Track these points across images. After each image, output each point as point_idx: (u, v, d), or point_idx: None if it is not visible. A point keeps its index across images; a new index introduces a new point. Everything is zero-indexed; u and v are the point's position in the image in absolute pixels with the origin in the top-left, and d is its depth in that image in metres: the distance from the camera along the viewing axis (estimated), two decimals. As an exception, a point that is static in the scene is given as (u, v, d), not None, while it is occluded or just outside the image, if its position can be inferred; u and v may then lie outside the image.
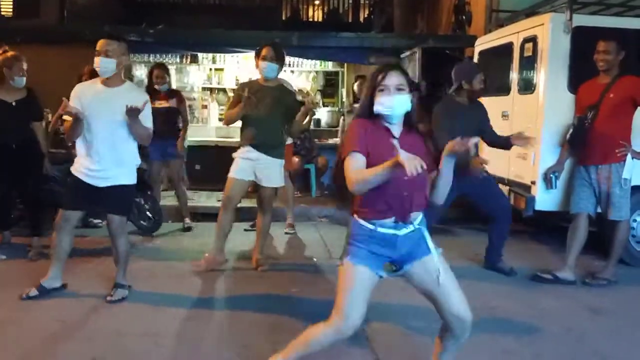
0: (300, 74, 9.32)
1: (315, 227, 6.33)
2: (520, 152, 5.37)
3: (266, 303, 3.97)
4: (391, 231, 2.44)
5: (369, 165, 2.36)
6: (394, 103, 2.41)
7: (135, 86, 4.10)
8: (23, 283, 4.04)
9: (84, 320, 3.59)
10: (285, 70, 8.97)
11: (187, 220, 6.15)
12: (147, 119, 3.84)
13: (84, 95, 3.77)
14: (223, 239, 4.64)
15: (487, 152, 5.53)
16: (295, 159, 7.21)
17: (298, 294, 4.21)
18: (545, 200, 5.11)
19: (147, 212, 5.75)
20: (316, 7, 15.53)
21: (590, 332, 3.65)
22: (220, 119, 8.81)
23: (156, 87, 5.86)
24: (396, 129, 2.48)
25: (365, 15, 14.88)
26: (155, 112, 5.68)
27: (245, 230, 5.91)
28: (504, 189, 5.65)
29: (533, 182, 5.14)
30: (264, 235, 4.81)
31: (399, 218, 2.43)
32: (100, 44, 3.74)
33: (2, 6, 10.19)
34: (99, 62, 3.70)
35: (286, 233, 6.00)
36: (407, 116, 2.49)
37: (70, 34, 7.55)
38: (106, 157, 3.76)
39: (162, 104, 5.82)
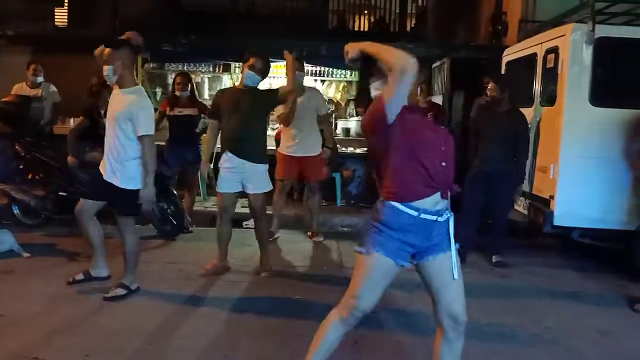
0: (331, 84, 9.38)
1: (335, 237, 6.35)
2: (541, 165, 5.25)
3: (265, 308, 4.03)
4: (433, 217, 2.35)
5: (412, 142, 2.35)
6: None
7: (139, 90, 4.06)
8: (51, 277, 4.33)
9: (87, 316, 3.75)
10: (316, 80, 9.15)
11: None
12: (143, 125, 3.89)
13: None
14: (224, 247, 4.75)
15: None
16: (325, 169, 7.27)
17: (301, 300, 4.25)
18: (565, 215, 4.97)
19: (170, 217, 5.92)
20: (363, 17, 15.59)
21: (592, 354, 3.52)
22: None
23: (177, 93, 6.07)
24: None
25: (412, 25, 14.83)
26: (175, 119, 6.06)
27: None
28: (523, 202, 5.55)
29: (552, 196, 5.00)
30: (262, 243, 4.85)
31: (444, 192, 2.36)
32: (104, 52, 3.92)
33: (56, 17, 10.78)
34: (104, 71, 3.92)
35: (313, 241, 6.05)
36: None
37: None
38: (109, 155, 3.96)
39: (182, 111, 6.05)
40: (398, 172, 2.37)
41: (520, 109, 5.32)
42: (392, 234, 2.36)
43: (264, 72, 4.62)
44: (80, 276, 4.26)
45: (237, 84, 9.40)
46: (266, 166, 4.70)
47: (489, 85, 5.29)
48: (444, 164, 2.37)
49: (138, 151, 3.94)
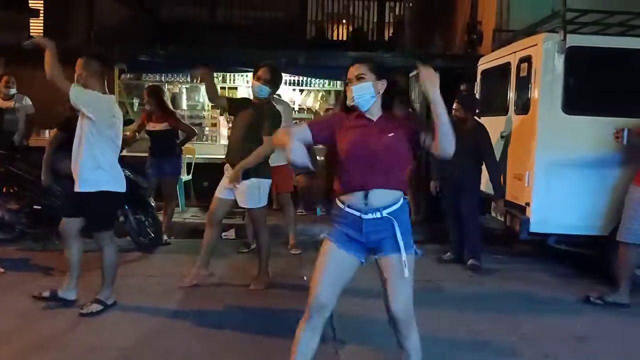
0: (309, 94, 9.40)
1: (315, 246, 6.33)
2: (516, 173, 5.32)
3: (245, 320, 4.01)
4: (357, 213, 2.56)
5: (341, 149, 2.61)
6: (354, 93, 2.59)
7: (94, 94, 3.90)
8: (26, 292, 4.24)
9: (62, 332, 3.68)
10: (294, 89, 9.18)
11: (166, 237, 6.17)
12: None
13: None
14: (208, 254, 4.70)
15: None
16: (301, 178, 7.27)
17: (279, 311, 4.22)
18: (541, 221, 5.03)
19: (147, 229, 5.87)
20: (341, 26, 15.69)
21: (567, 359, 3.57)
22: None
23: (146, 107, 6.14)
24: (374, 115, 2.64)
25: (390, 34, 14.96)
26: (151, 134, 6.13)
27: (240, 252, 5.95)
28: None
29: (527, 204, 5.06)
30: (260, 255, 4.81)
31: (363, 195, 2.55)
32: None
33: (31, 28, 10.65)
34: None
35: (292, 253, 5.98)
36: (384, 103, 2.65)
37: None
38: (75, 164, 3.93)
39: (155, 126, 6.11)
40: (338, 171, 2.66)
41: (482, 123, 5.52)
42: (336, 225, 2.63)
43: (271, 82, 4.58)
44: (46, 293, 4.13)
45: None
46: (260, 181, 4.57)
47: (454, 105, 5.41)
48: (371, 166, 2.55)
49: (93, 154, 3.89)
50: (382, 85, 2.62)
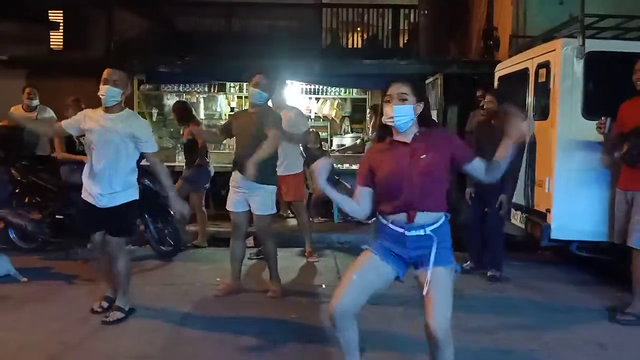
0: (325, 101, 9.43)
1: (333, 254, 6.33)
2: (537, 179, 5.27)
3: (262, 329, 4.00)
4: (400, 230, 2.63)
5: (377, 180, 2.69)
6: (394, 113, 2.59)
7: (134, 113, 4.16)
8: (48, 302, 4.29)
9: (83, 341, 3.72)
10: (310, 98, 9.22)
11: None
12: (147, 145, 4.00)
13: (87, 121, 3.97)
14: (237, 266, 4.76)
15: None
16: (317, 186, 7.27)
17: (297, 319, 4.23)
18: (562, 228, 4.98)
19: (167, 237, 5.91)
20: (356, 34, 15.73)
21: (592, 367, 3.53)
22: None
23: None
24: (409, 135, 2.66)
25: (405, 41, 14.95)
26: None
27: (249, 258, 5.90)
28: (521, 215, 5.55)
29: (548, 210, 5.01)
30: (269, 263, 4.83)
31: (409, 213, 2.61)
32: (107, 72, 3.87)
33: (51, 40, 10.82)
34: (105, 91, 3.84)
35: (308, 261, 5.97)
36: (421, 118, 2.66)
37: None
38: (108, 180, 3.91)
39: (184, 139, 6.42)
40: (378, 194, 2.73)
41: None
42: (378, 238, 2.72)
43: (269, 88, 4.63)
44: (104, 303, 4.20)
45: (232, 104, 9.51)
46: (272, 188, 4.65)
47: (486, 97, 5.28)
48: (408, 190, 2.60)
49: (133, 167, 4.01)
50: (420, 107, 2.64)
